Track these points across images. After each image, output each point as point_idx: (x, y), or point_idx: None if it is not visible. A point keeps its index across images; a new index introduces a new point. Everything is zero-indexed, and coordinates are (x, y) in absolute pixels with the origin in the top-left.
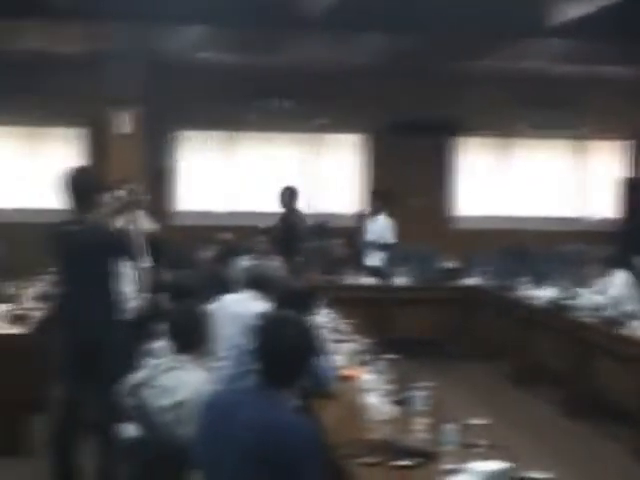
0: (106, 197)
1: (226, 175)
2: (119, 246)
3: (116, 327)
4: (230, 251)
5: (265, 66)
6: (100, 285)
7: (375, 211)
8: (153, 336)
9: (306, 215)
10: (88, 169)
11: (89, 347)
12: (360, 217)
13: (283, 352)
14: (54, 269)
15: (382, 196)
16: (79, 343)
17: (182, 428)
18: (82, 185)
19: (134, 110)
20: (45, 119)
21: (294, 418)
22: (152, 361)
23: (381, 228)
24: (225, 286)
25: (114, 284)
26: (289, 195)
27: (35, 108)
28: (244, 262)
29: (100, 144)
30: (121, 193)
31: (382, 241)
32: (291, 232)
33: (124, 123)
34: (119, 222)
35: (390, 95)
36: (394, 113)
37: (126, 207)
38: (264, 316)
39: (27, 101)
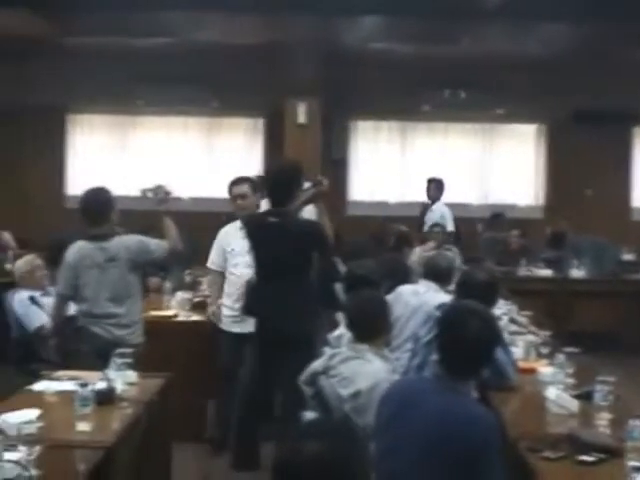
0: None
1: (399, 165)
2: (318, 238)
3: (309, 320)
4: (404, 242)
5: (439, 56)
6: (296, 277)
7: (432, 199)
8: (331, 326)
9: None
10: (289, 162)
11: (280, 338)
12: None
13: (467, 343)
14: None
15: (437, 184)
16: (271, 333)
17: (360, 417)
18: (282, 177)
19: (310, 100)
20: (223, 110)
21: (478, 410)
22: (330, 350)
23: (438, 217)
24: (401, 277)
25: (309, 276)
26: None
27: (213, 99)
28: (418, 253)
29: (277, 134)
30: (307, 185)
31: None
32: None
33: (300, 113)
34: (307, 213)
35: (568, 84)
36: (573, 103)
37: (314, 199)
38: (448, 306)
39: (205, 92)
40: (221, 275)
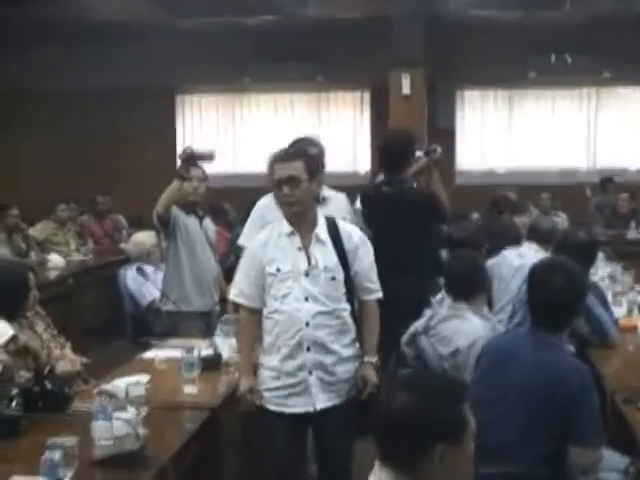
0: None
1: (507, 133)
2: (434, 207)
3: (425, 290)
4: (510, 207)
5: (544, 21)
6: (413, 246)
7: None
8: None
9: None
10: (403, 130)
11: (397, 308)
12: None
13: (551, 297)
14: None
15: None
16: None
17: (460, 375)
18: (396, 146)
19: (414, 71)
20: (329, 85)
21: (572, 361)
22: (430, 311)
23: None
24: (502, 239)
25: (427, 245)
26: None
27: (319, 74)
28: (522, 218)
29: (383, 107)
30: (420, 154)
31: None
32: None
33: (405, 85)
34: (419, 183)
35: None
36: None
37: (427, 167)
38: (536, 262)
39: (311, 67)
40: (257, 315)
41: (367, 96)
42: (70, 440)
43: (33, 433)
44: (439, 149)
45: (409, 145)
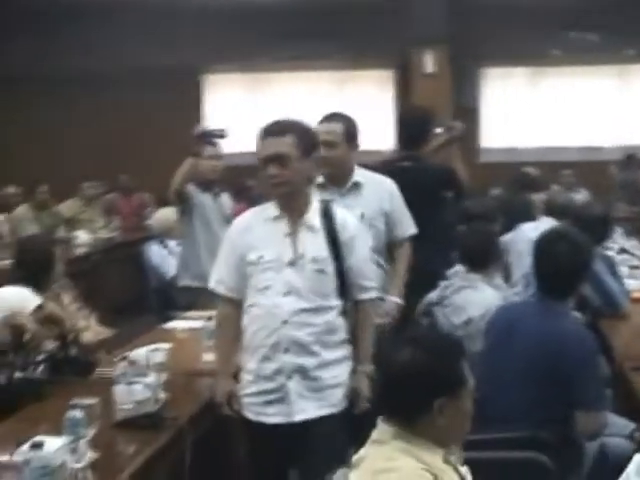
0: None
1: (530, 111)
2: (453, 183)
3: (440, 259)
4: (531, 184)
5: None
6: (432, 221)
7: None
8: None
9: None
10: (419, 107)
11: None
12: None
13: (555, 264)
14: None
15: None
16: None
17: (472, 344)
18: (413, 123)
19: (438, 49)
20: (353, 63)
21: (575, 327)
22: (444, 282)
23: None
24: (517, 214)
25: (441, 218)
26: None
27: (342, 52)
28: (541, 195)
29: (406, 85)
30: (440, 130)
31: None
32: None
33: (429, 63)
34: (440, 159)
35: None
36: None
37: (447, 143)
38: (541, 233)
39: (335, 46)
40: (237, 307)
41: (390, 74)
42: (92, 400)
43: (57, 397)
44: (459, 125)
45: (426, 121)
